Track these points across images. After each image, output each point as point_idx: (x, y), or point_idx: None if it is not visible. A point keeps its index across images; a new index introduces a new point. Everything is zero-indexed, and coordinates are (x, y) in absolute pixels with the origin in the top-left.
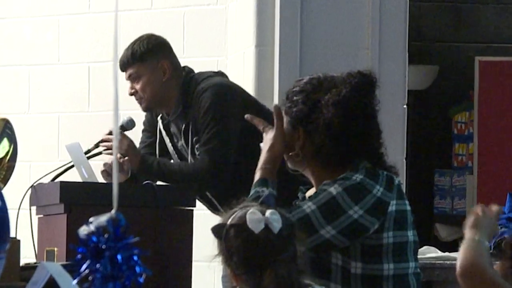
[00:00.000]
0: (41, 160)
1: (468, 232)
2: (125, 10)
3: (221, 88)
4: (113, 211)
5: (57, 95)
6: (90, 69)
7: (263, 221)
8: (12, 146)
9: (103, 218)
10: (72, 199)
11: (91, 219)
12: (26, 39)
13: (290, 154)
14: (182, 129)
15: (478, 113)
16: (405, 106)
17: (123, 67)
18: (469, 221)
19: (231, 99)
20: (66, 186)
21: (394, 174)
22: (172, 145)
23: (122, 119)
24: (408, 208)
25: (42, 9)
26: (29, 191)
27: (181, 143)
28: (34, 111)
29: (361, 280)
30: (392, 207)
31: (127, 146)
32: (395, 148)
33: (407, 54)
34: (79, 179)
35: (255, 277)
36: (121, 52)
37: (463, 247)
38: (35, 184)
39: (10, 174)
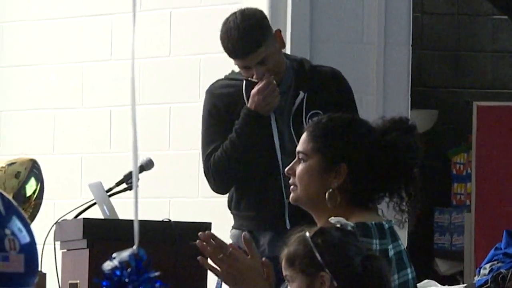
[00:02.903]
0: (65, 198)
1: None
2: (145, 57)
3: None
4: (134, 247)
5: (81, 137)
6: (111, 113)
7: (349, 224)
8: (39, 185)
9: (125, 254)
10: (94, 235)
11: (114, 255)
12: (52, 85)
13: (329, 192)
14: (301, 98)
15: (475, 154)
16: None
17: (248, 51)
18: None
19: None
20: (88, 223)
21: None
22: None
23: (142, 159)
24: (402, 247)
25: (67, 57)
26: (54, 227)
27: (283, 115)
28: (58, 152)
29: None
30: (391, 252)
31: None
32: None
33: (410, 99)
34: (101, 216)
35: (355, 270)
36: (141, 97)
37: None
38: (59, 221)
39: (37, 211)
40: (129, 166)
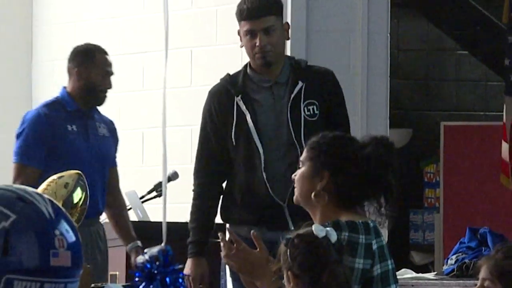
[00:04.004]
0: None
1: None
2: (171, 88)
3: None
4: (162, 244)
5: (119, 153)
6: (143, 134)
7: (325, 231)
8: (84, 194)
9: (155, 250)
10: None
11: (145, 250)
12: None
13: (314, 193)
14: (298, 89)
15: (443, 165)
16: None
17: (261, 13)
18: None
19: None
20: None
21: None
22: (253, 119)
23: (169, 172)
24: (384, 242)
25: None
26: None
27: (282, 103)
28: None
29: None
30: (374, 246)
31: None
32: None
33: (388, 120)
34: (135, 219)
35: (314, 277)
36: (167, 120)
37: None
38: (102, 223)
39: (82, 216)
40: (158, 178)
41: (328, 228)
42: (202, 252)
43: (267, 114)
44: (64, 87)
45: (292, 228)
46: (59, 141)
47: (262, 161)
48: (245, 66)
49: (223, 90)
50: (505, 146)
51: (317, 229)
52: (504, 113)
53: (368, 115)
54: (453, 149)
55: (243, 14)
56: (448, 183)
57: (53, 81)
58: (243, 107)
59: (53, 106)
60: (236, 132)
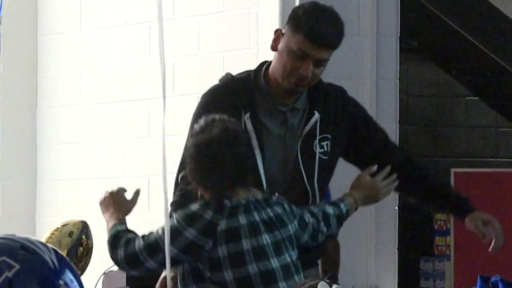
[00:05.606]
0: None
1: None
2: (174, 134)
3: None
4: None
5: None
6: (149, 181)
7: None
8: (89, 242)
9: None
10: (135, 283)
11: None
12: (100, 158)
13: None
14: (315, 119)
15: None
16: (396, 208)
17: (332, 45)
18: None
19: None
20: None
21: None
22: (260, 143)
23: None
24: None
25: (113, 136)
26: (102, 277)
27: (294, 136)
28: None
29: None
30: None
31: None
32: (389, 239)
33: None
34: None
35: None
36: (172, 167)
37: None
38: (106, 272)
39: (87, 264)
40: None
41: (334, 285)
42: None
43: (275, 147)
44: None
45: None
46: None
47: None
48: (257, 71)
49: (227, 99)
50: None
51: (323, 287)
52: None
53: None
54: None
55: (312, 33)
56: (459, 231)
57: (57, 127)
58: (250, 128)
59: None
60: None
